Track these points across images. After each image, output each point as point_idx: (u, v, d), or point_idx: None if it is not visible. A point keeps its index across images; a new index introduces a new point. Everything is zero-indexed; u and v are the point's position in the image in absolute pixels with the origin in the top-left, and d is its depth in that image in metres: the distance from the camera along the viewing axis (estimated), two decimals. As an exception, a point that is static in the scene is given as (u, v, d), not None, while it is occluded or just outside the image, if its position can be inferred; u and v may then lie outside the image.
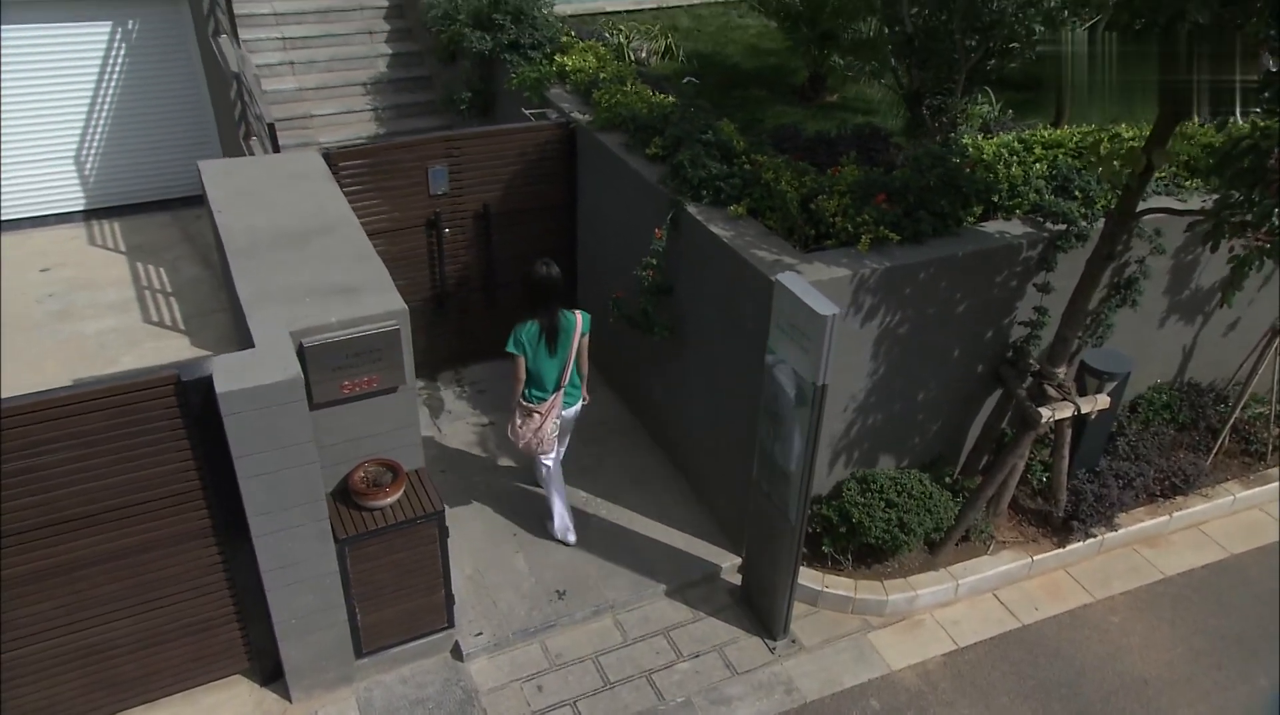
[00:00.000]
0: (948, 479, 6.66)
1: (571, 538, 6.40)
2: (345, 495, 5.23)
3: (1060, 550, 6.70)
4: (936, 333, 6.08)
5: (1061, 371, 6.18)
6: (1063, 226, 6.09)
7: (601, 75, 7.62)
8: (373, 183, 7.03)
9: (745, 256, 5.57)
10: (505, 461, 7.12)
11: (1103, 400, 6.28)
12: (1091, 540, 6.79)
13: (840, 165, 6.15)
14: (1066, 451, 6.58)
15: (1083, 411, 6.19)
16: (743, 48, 10.19)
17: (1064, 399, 6.18)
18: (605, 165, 7.09)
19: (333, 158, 6.79)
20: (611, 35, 9.67)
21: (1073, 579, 6.70)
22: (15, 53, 11.17)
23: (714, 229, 5.87)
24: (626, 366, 7.63)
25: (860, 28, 8.36)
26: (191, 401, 4.48)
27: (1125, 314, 6.83)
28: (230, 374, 4.45)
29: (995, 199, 6.16)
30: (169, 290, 9.89)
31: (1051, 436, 6.68)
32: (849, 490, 6.24)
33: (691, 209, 6.11)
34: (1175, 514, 7.08)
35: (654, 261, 6.31)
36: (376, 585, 5.35)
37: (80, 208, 12.14)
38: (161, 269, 10.32)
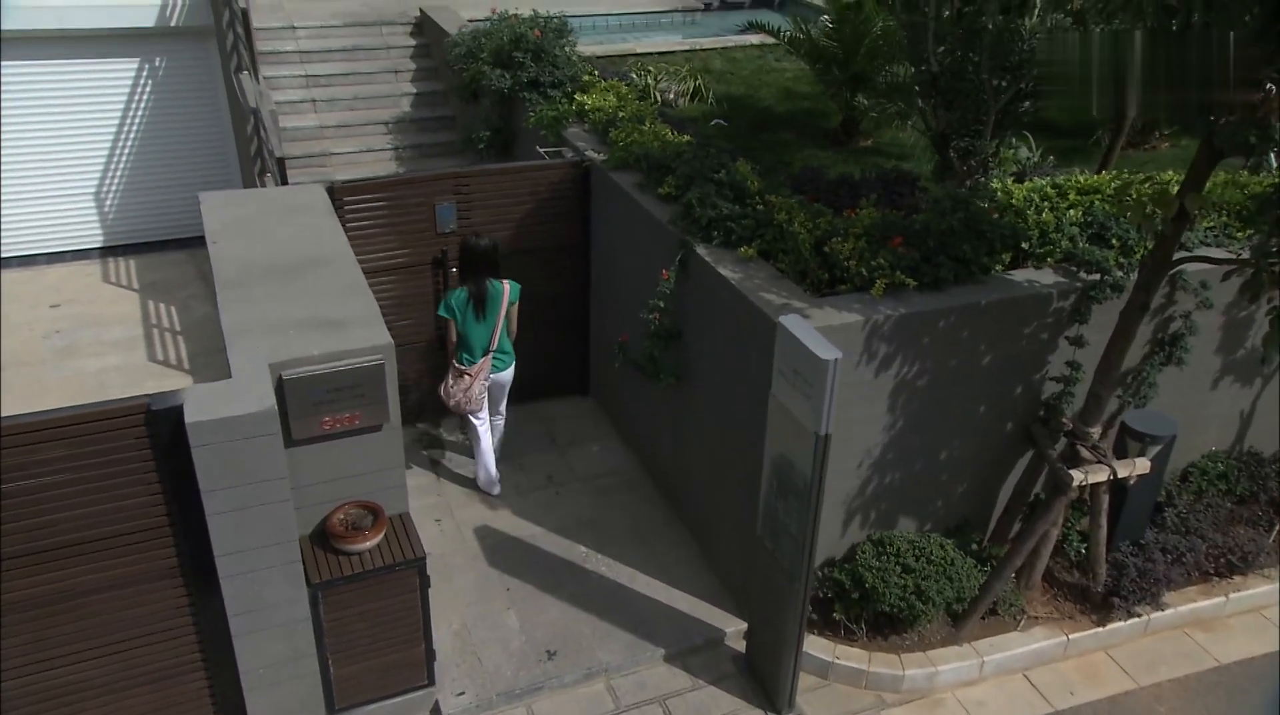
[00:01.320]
0: (974, 546, 6.52)
1: (496, 490, 7.25)
2: (323, 538, 5.25)
3: (1099, 629, 6.49)
4: (959, 386, 6.00)
5: (1096, 432, 6.04)
6: (1097, 276, 6.01)
7: (620, 114, 7.73)
8: (378, 219, 7.16)
9: (751, 299, 5.57)
10: (504, 511, 7.10)
11: (1142, 464, 6.12)
12: (1135, 620, 6.57)
13: (859, 208, 6.15)
14: (1104, 520, 6.41)
15: (1119, 476, 6.04)
16: (776, 91, 10.30)
17: (1098, 461, 6.03)
18: (618, 205, 7.17)
19: (337, 192, 6.94)
20: (639, 76, 9.83)
21: (1114, 662, 6.47)
22: (40, 88, 11.64)
23: (722, 271, 5.89)
24: (635, 414, 7.62)
25: (897, 71, 8.41)
26: (161, 432, 4.54)
27: (1172, 374, 6.69)
28: (202, 404, 4.51)
29: (1025, 246, 6.10)
30: (177, 329, 10.11)
31: (1089, 503, 6.51)
32: (863, 553, 6.12)
33: (701, 250, 6.13)
34: (1232, 595, 6.83)
35: (661, 304, 6.33)
36: (351, 635, 5.33)
37: (98, 244, 12.53)
38: (172, 307, 10.57)
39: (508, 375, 7.03)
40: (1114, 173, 6.90)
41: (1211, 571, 6.95)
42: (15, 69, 11.35)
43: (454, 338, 6.76)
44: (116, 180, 12.54)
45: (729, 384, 6.05)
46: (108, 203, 12.53)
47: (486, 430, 7.13)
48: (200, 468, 4.51)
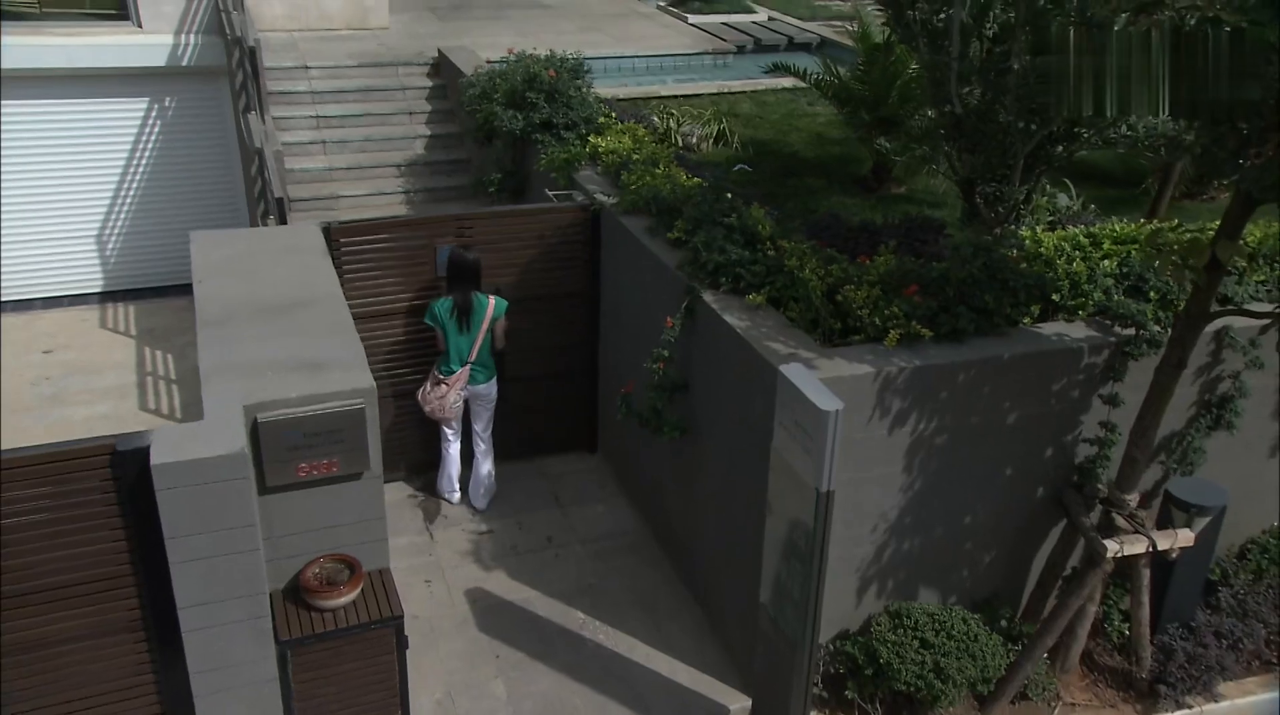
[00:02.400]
0: (1004, 622, 6.45)
1: (455, 497, 7.85)
2: (295, 593, 5.32)
3: (1145, 719, 6.38)
4: (983, 446, 6.00)
5: (1132, 499, 6.00)
6: (1132, 331, 6.01)
7: (634, 157, 7.90)
8: (376, 261, 7.34)
9: (756, 347, 5.64)
10: (498, 573, 7.14)
11: (1184, 536, 6.05)
12: (1185, 711, 6.44)
13: (874, 254, 6.22)
14: (1145, 598, 6.32)
15: (1159, 548, 5.97)
16: (807, 136, 10.47)
17: (1135, 531, 5.98)
18: (627, 250, 7.30)
19: (335, 233, 7.13)
20: (660, 119, 10.04)
21: (1161, 755, 6.34)
22: (45, 128, 12.07)
23: (728, 318, 5.97)
24: (642, 472, 7.67)
25: (932, 114, 8.52)
26: (127, 475, 4.66)
27: (1222, 439, 6.64)
28: (169, 445, 4.64)
29: (1056, 298, 6.13)
30: (173, 377, 10.35)
31: (1130, 578, 6.43)
32: (878, 626, 6.09)
33: (708, 297, 6.22)
34: (1297, 687, 6.69)
35: (665, 353, 6.41)
36: (322, 700, 5.36)
37: (98, 289, 12.89)
38: (169, 354, 10.82)
39: (487, 389, 7.52)
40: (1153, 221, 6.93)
41: (1273, 660, 6.80)
42: (19, 108, 11.78)
43: (442, 346, 7.38)
44: (120, 223, 12.93)
45: (735, 439, 6.10)
46: (110, 246, 12.91)
47: (456, 443, 7.73)
48: (165, 512, 4.62)
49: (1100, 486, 6.20)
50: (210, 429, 4.79)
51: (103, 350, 11.21)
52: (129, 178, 12.84)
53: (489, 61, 10.71)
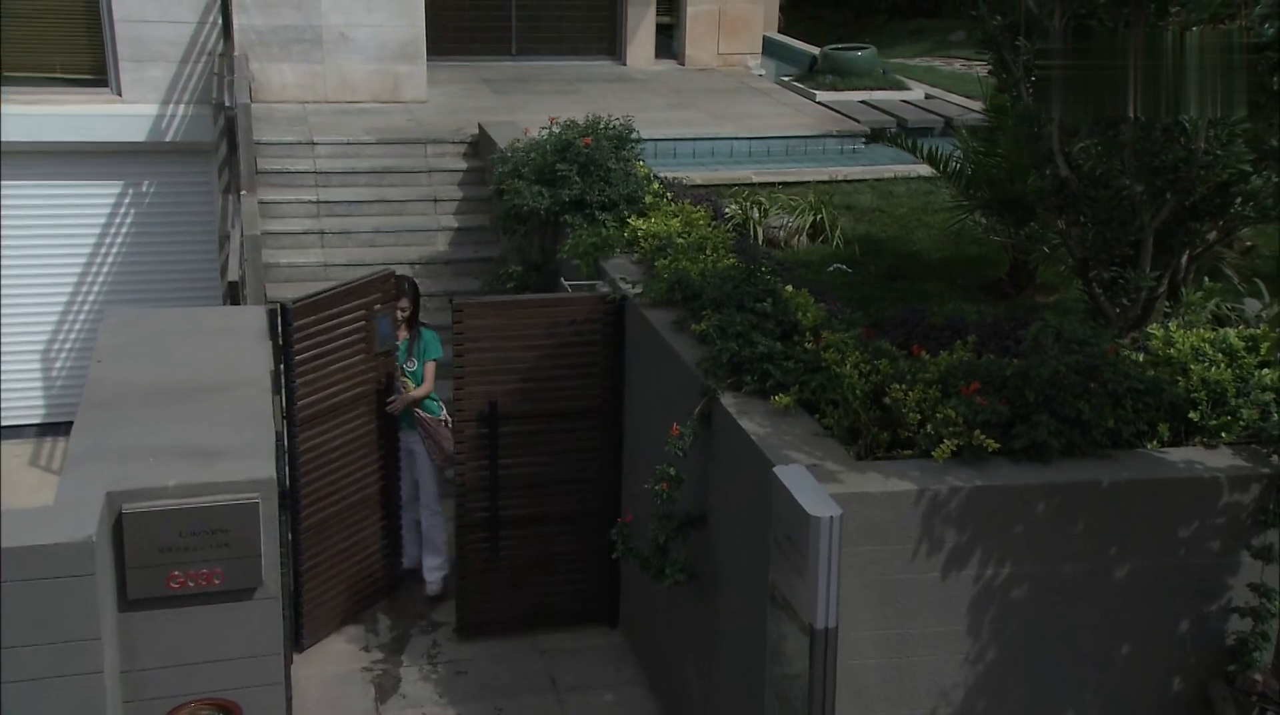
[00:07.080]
0: None
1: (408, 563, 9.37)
2: (156, 745, 5.74)
3: None
4: (1083, 609, 6.09)
5: (1296, 692, 6.00)
6: (1290, 461, 6.13)
7: (678, 240, 8.43)
8: (339, 341, 8.04)
9: (769, 455, 5.94)
10: (455, 770, 7.43)
11: (1375, 750, 5.99)
12: None
13: (949, 350, 6.50)
14: None
15: (1333, 762, 5.92)
16: (938, 234, 10.89)
17: (1300, 739, 5.95)
18: (651, 351, 7.74)
19: (295, 312, 7.80)
20: (740, 207, 10.63)
21: None
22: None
23: (744, 424, 6.31)
24: (664, 647, 7.88)
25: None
26: (-50, 569, 5.21)
27: None
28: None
29: (1194, 416, 6.29)
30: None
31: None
32: None
33: (727, 400, 6.59)
34: None
35: (671, 471, 6.74)
36: None
37: (36, 420, 13.92)
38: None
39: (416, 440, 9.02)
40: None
41: None
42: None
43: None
44: (72, 336, 14.03)
45: (754, 583, 6.32)
46: (57, 364, 13.99)
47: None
48: (-16, 614, 5.13)
49: (1255, 676, 6.20)
50: (55, 514, 5.34)
51: (27, 492, 12.10)
52: (89, 279, 13.99)
53: (527, 133, 11.50)
